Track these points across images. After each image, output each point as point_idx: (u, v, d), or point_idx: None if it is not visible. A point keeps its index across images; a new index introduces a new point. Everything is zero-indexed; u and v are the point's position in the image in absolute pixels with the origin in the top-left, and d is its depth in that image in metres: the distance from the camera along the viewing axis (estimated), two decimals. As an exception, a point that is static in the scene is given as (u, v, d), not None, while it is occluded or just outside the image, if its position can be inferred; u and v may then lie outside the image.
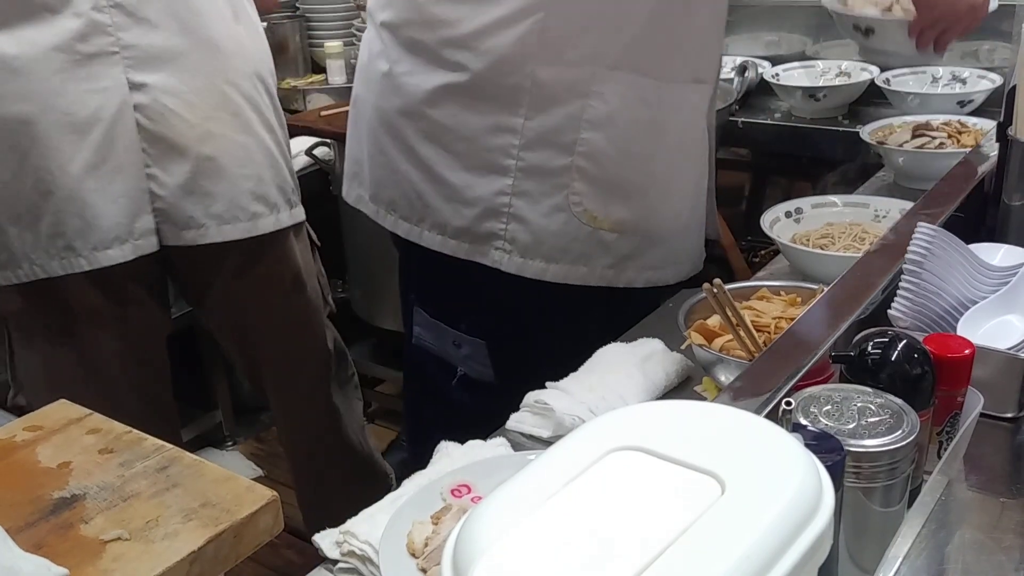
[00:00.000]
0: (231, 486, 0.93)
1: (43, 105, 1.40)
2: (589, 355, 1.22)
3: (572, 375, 1.19)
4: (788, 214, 1.52)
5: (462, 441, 1.07)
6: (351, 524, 0.95)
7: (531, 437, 1.12)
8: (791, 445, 0.49)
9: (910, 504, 0.78)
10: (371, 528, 0.94)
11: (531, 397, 1.15)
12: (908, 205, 1.40)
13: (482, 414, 1.15)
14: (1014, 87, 1.15)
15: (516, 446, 1.09)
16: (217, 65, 1.50)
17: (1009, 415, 0.93)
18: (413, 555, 0.90)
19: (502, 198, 1.30)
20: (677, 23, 1.27)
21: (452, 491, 0.98)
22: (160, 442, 0.99)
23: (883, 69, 2.12)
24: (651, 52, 1.26)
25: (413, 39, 1.31)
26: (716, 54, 1.39)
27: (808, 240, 1.47)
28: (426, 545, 0.90)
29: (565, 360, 1.20)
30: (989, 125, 1.69)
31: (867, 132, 1.81)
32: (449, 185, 1.33)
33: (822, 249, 1.43)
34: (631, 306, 1.40)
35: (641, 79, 1.27)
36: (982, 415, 0.85)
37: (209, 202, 1.54)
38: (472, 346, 1.41)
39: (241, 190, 1.57)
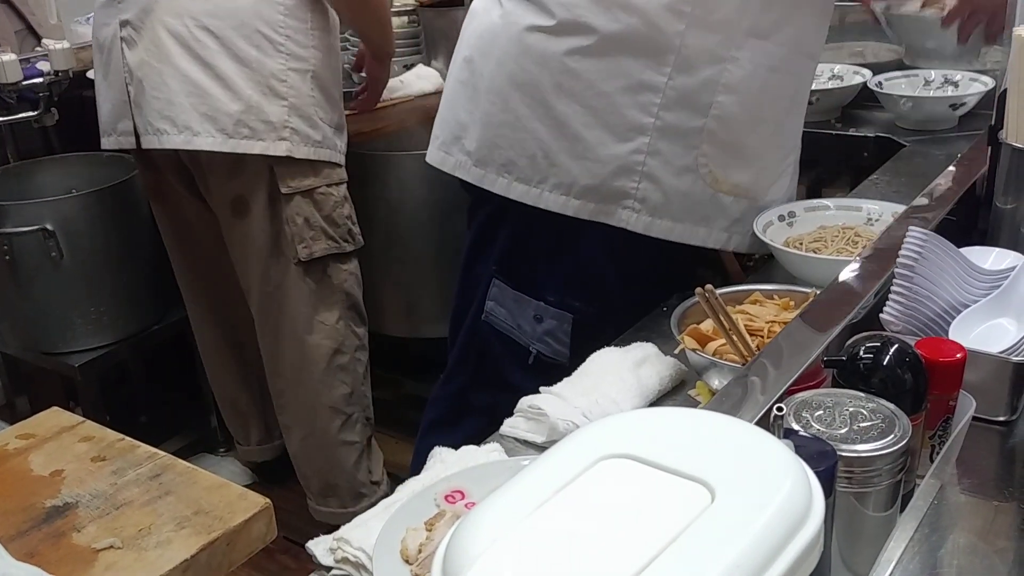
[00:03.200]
0: (224, 493, 0.93)
1: (96, 32, 2.00)
2: None
3: (566, 380, 1.19)
4: (781, 217, 1.52)
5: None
6: (345, 531, 0.95)
7: (525, 442, 1.12)
8: (781, 452, 0.49)
9: (903, 508, 0.78)
10: (365, 534, 0.94)
11: (525, 402, 1.15)
12: (901, 208, 1.40)
13: None
14: (1005, 90, 1.15)
15: (510, 451, 1.09)
16: (157, 8, 1.87)
17: (1001, 418, 0.93)
18: (407, 561, 0.90)
19: (637, 156, 1.34)
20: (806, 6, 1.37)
21: (446, 497, 0.98)
22: (153, 449, 0.99)
23: (875, 72, 2.13)
24: (779, 22, 1.34)
25: None
26: (824, 33, 1.46)
27: (801, 244, 1.47)
28: (420, 551, 0.90)
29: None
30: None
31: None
32: (583, 142, 1.35)
33: (815, 253, 1.43)
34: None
35: (772, 47, 1.35)
36: (974, 419, 0.86)
37: (146, 116, 1.91)
38: (556, 319, 1.44)
39: (152, 109, 1.90)
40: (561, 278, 1.45)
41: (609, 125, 1.34)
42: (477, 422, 1.41)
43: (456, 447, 1.07)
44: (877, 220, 1.51)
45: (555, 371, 1.19)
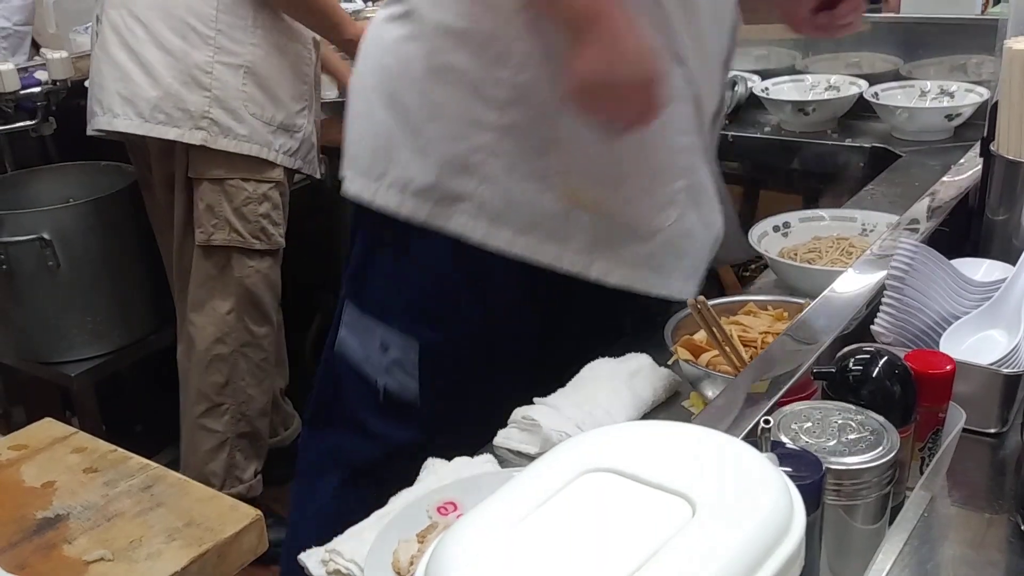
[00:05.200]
0: (215, 505, 0.93)
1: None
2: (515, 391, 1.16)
3: (560, 391, 1.19)
4: (776, 228, 1.52)
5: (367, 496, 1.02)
6: (337, 543, 0.95)
7: (519, 453, 1.12)
8: (763, 466, 0.49)
9: (892, 520, 0.78)
10: (357, 546, 0.94)
11: (518, 413, 1.15)
12: (895, 219, 1.40)
13: (400, 454, 1.04)
14: (997, 102, 1.16)
15: (503, 462, 1.09)
16: (107, 2, 2.02)
17: (992, 430, 0.93)
18: (399, 573, 0.90)
19: (478, 155, 1.18)
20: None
21: (438, 509, 0.98)
22: (145, 461, 0.99)
23: (871, 83, 2.13)
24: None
25: None
26: (689, 37, 1.22)
27: (795, 254, 1.47)
28: (411, 563, 0.90)
29: (496, 381, 1.14)
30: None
31: None
32: (423, 135, 1.21)
33: (809, 263, 1.43)
34: (578, 343, 1.28)
35: None
36: (965, 430, 0.86)
37: (91, 101, 2.07)
38: (401, 347, 1.27)
39: (93, 95, 2.06)
40: (407, 298, 1.28)
41: (450, 118, 1.19)
42: (333, 472, 1.28)
43: (326, 500, 1.03)
44: (872, 230, 1.51)
45: (406, 411, 1.06)
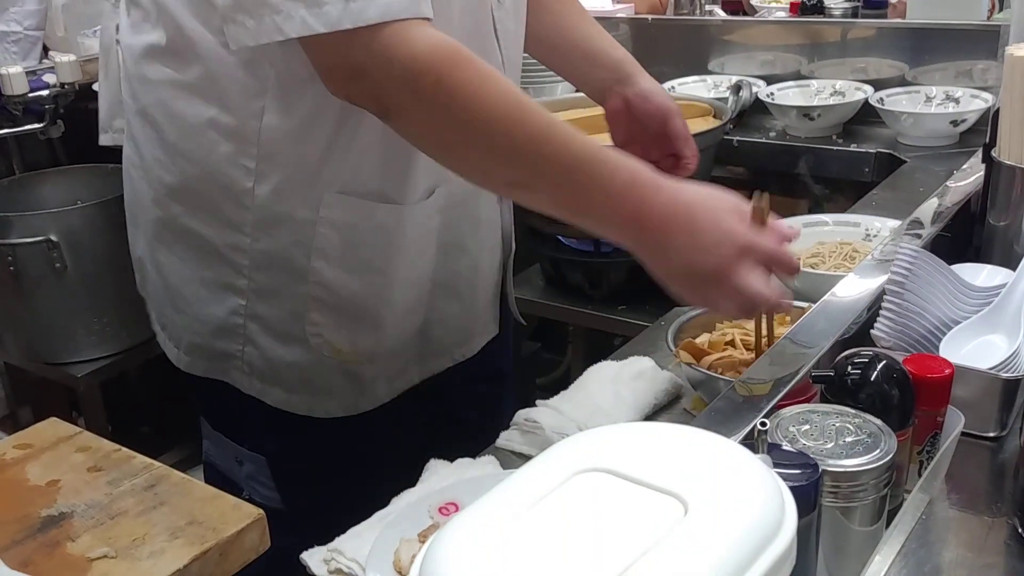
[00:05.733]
0: (218, 504, 0.93)
1: (101, 33, 1.78)
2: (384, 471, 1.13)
3: (562, 393, 1.20)
4: None
5: None
6: (339, 542, 0.96)
7: (520, 455, 1.12)
8: (755, 467, 0.50)
9: (889, 523, 0.79)
10: (359, 546, 0.95)
11: (521, 415, 1.16)
12: (899, 223, 1.40)
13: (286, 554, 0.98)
14: (999, 109, 1.16)
15: (505, 464, 1.10)
16: None
17: (991, 434, 0.94)
18: (400, 573, 0.90)
19: (236, 319, 1.14)
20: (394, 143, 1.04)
21: (440, 509, 0.98)
22: (148, 460, 1.00)
23: (877, 88, 2.14)
24: (379, 174, 1.09)
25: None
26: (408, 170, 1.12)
27: (798, 259, 1.47)
28: (413, 563, 0.90)
29: (358, 481, 1.11)
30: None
31: None
32: (182, 296, 1.16)
33: (812, 268, 1.43)
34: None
35: (373, 203, 1.09)
36: (964, 434, 0.86)
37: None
38: (253, 463, 1.22)
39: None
40: (247, 417, 1.21)
41: (206, 281, 1.13)
42: None
43: None
44: (875, 236, 1.51)
45: (277, 516, 0.98)
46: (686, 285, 0.95)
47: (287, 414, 1.17)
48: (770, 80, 2.31)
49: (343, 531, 0.98)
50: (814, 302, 1.20)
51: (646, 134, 1.27)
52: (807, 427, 0.76)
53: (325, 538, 0.97)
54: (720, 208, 0.94)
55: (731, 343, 1.19)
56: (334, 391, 1.17)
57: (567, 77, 1.40)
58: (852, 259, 1.44)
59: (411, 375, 1.23)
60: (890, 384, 0.80)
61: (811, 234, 1.54)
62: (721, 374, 1.13)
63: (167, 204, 1.13)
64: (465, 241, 1.22)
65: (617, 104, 1.28)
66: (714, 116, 1.89)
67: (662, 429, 0.54)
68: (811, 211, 2.30)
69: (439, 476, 1.06)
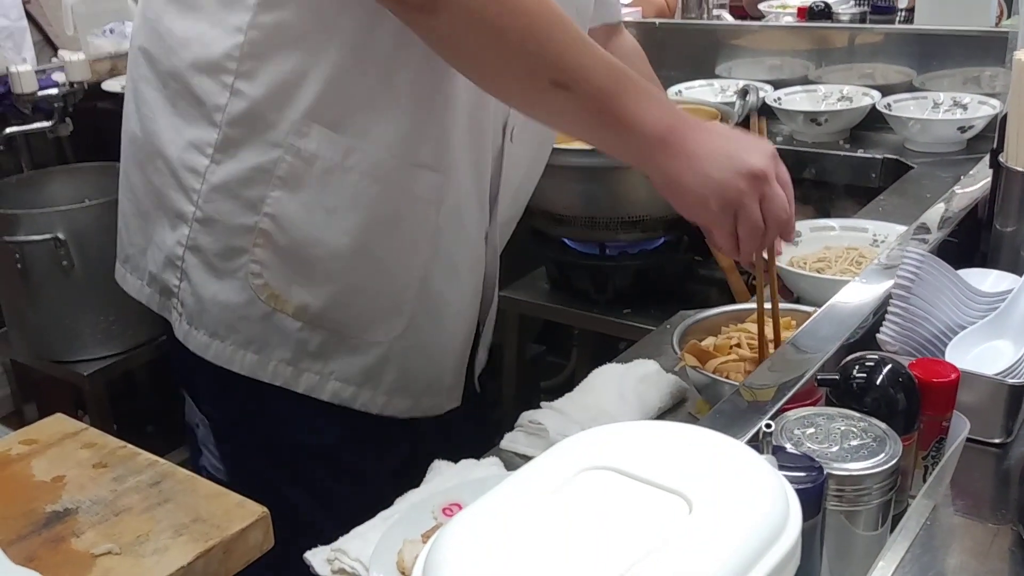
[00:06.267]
0: (222, 502, 0.94)
1: None
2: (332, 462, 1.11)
3: (567, 395, 1.20)
4: None
5: None
6: (342, 542, 0.96)
7: (524, 456, 1.12)
8: (761, 467, 0.50)
9: (894, 528, 0.78)
10: (362, 546, 0.95)
11: (525, 417, 1.16)
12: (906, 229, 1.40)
13: None
14: (1006, 114, 1.16)
15: (509, 465, 1.10)
16: None
17: (997, 440, 0.93)
18: (403, 573, 0.90)
19: (178, 249, 1.10)
20: (391, 92, 1.05)
21: (443, 510, 0.98)
22: (153, 457, 1.00)
23: (884, 94, 2.13)
24: (359, 114, 1.05)
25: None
26: (449, 145, 1.11)
27: (805, 263, 1.47)
28: (416, 563, 0.90)
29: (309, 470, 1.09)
30: None
31: None
32: (149, 220, 1.14)
33: (819, 272, 1.43)
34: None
35: (351, 142, 1.05)
36: (970, 440, 0.86)
37: None
38: (204, 427, 1.22)
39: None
40: (196, 378, 1.20)
41: (164, 206, 1.11)
42: None
43: None
44: (883, 241, 1.51)
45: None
46: (699, 198, 0.98)
47: (227, 374, 1.12)
48: (777, 85, 2.31)
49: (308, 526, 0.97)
50: (820, 306, 1.20)
51: None
52: (812, 430, 0.76)
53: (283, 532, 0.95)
54: (740, 136, 1.01)
55: (737, 346, 1.19)
56: (261, 344, 1.10)
57: None
58: (859, 264, 1.44)
59: (374, 400, 1.17)
60: (896, 388, 0.80)
61: (817, 238, 1.54)
62: (726, 378, 1.13)
63: (144, 121, 1.12)
64: (454, 260, 1.18)
65: None
66: (721, 120, 1.89)
67: (667, 428, 0.54)
68: (817, 215, 2.31)
69: (443, 477, 1.06)
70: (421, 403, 1.21)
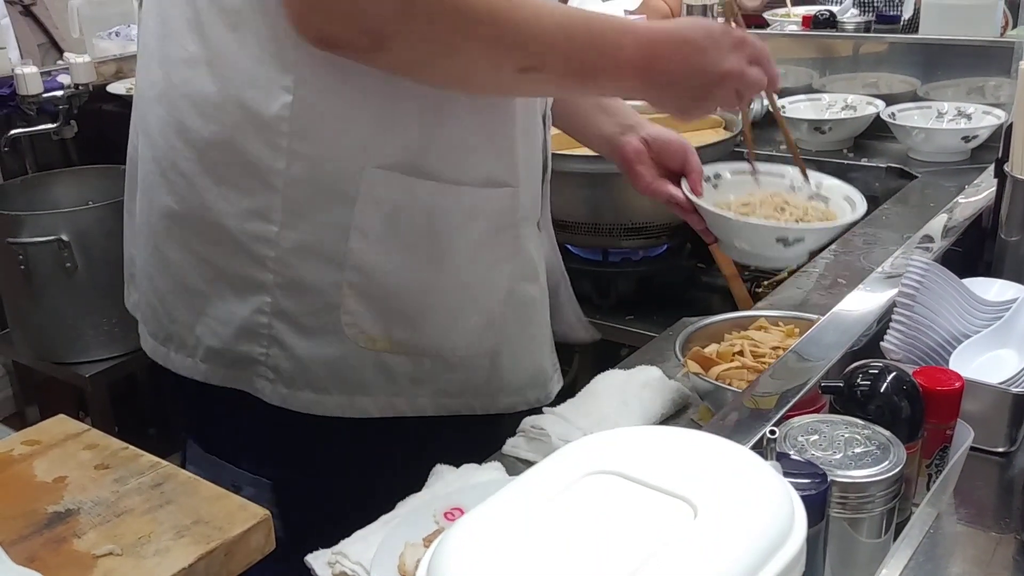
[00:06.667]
0: (224, 504, 0.93)
1: None
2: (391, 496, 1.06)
3: (569, 401, 1.20)
4: (707, 179, 1.45)
5: None
6: (343, 545, 0.96)
7: (526, 462, 1.12)
8: (766, 472, 0.50)
9: (897, 536, 0.78)
10: (363, 549, 0.94)
11: (527, 423, 1.16)
12: (831, 180, 1.41)
13: None
14: (1012, 124, 1.16)
15: (511, 470, 1.10)
16: None
17: (1000, 450, 0.93)
18: (404, 577, 0.90)
19: (260, 317, 1.06)
20: (449, 121, 1.04)
21: (445, 514, 0.98)
22: (155, 459, 1.00)
23: (889, 103, 2.14)
24: (428, 151, 1.04)
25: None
26: (516, 156, 1.12)
27: (729, 207, 1.42)
28: (417, 568, 0.90)
29: (363, 506, 1.04)
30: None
31: None
32: (202, 295, 1.08)
33: (746, 216, 1.37)
34: (437, 434, 1.17)
35: (419, 180, 1.04)
36: (973, 449, 0.86)
37: None
38: (256, 488, 1.15)
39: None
40: (250, 440, 1.16)
41: (227, 277, 1.06)
42: None
43: None
44: (799, 188, 1.48)
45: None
46: (696, 96, 1.08)
47: (299, 431, 1.11)
48: (781, 93, 2.31)
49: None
50: (749, 253, 1.28)
51: (669, 173, 1.31)
52: (816, 437, 0.76)
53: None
54: (705, 23, 1.09)
55: (740, 353, 1.19)
56: (367, 387, 1.10)
57: (572, 131, 1.40)
58: (782, 210, 1.39)
59: (470, 404, 1.17)
60: (900, 396, 0.80)
61: (740, 183, 1.48)
62: (729, 385, 1.13)
63: (182, 193, 1.06)
64: (531, 257, 1.18)
65: (637, 147, 1.29)
66: (724, 128, 1.89)
67: (672, 433, 0.54)
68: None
69: (444, 481, 1.06)
70: (527, 396, 1.22)
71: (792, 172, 1.44)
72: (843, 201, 1.41)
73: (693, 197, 1.28)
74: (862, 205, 1.33)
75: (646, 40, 1.02)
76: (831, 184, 1.41)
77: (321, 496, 1.12)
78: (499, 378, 1.18)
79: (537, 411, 1.18)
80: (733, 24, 1.15)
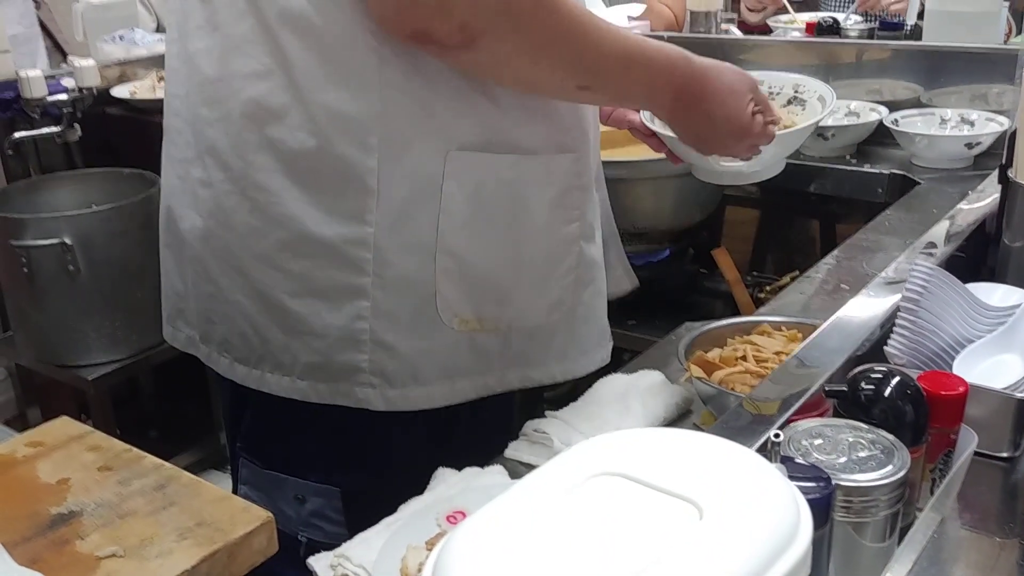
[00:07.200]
0: (227, 506, 0.93)
1: None
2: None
3: (572, 405, 1.20)
4: None
5: None
6: (346, 548, 0.96)
7: (528, 465, 1.12)
8: (771, 475, 0.50)
9: (901, 540, 0.78)
10: (366, 552, 0.95)
11: (529, 426, 1.16)
12: (809, 81, 1.44)
13: None
14: (1015, 130, 1.16)
15: (513, 474, 1.10)
16: None
17: (1004, 455, 0.93)
18: (406, 580, 0.90)
19: (360, 323, 1.06)
20: (522, 94, 1.07)
21: (447, 517, 0.98)
22: (159, 461, 1.00)
23: (892, 110, 2.14)
24: (505, 125, 1.07)
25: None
26: (583, 121, 1.16)
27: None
28: (419, 570, 0.90)
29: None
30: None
31: None
32: (292, 314, 1.08)
33: None
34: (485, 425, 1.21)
35: (501, 156, 1.07)
36: (977, 454, 0.86)
37: None
38: (324, 497, 1.17)
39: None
40: (318, 451, 1.17)
41: (318, 290, 1.06)
42: None
43: None
44: (777, 95, 1.48)
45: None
46: (717, 140, 1.18)
47: (361, 435, 1.13)
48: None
49: None
50: (716, 183, 1.34)
51: None
52: (820, 441, 0.76)
53: None
54: (724, 65, 1.15)
55: (742, 358, 1.19)
56: (473, 369, 1.13)
57: None
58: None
59: (551, 372, 1.21)
60: (904, 400, 0.80)
61: None
62: (732, 389, 1.13)
63: (263, 209, 1.05)
64: (592, 222, 1.22)
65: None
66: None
67: (677, 435, 0.54)
68: (823, 231, 2.31)
69: (447, 484, 1.06)
70: (594, 357, 1.25)
71: (769, 77, 1.48)
72: (816, 101, 1.45)
73: (650, 124, 1.30)
74: (831, 100, 1.42)
75: (698, 88, 1.11)
76: (811, 86, 1.47)
77: (390, 494, 1.10)
78: (574, 342, 1.22)
79: (543, 412, 1.19)
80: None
